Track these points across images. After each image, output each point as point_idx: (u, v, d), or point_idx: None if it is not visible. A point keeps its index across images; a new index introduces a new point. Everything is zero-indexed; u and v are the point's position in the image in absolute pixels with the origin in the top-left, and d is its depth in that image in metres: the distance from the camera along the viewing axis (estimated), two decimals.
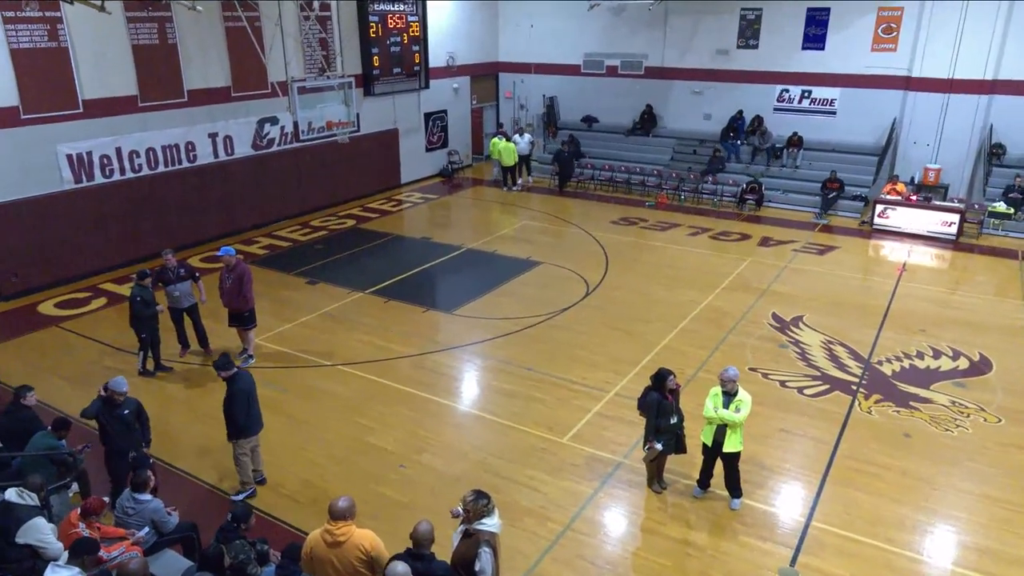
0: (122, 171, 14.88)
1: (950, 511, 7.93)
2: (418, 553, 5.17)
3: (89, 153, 14.27)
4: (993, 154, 18.72)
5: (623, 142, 23.26)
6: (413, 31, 21.18)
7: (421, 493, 8.12)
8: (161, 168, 15.57)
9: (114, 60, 14.40)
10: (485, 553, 5.34)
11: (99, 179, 14.53)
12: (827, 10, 19.94)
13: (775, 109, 21.40)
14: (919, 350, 11.61)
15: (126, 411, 7.54)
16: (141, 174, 15.22)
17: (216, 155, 16.72)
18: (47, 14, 13.17)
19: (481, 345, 11.84)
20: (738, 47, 21.46)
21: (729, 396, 7.51)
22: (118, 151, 14.74)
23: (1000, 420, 9.64)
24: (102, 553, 5.74)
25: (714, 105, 22.20)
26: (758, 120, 21.35)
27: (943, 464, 8.71)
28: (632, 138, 23.26)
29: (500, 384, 10.64)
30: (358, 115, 19.10)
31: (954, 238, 17.24)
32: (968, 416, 9.74)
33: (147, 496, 6.41)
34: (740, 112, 21.59)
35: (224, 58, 16.43)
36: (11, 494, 6.05)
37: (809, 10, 20.17)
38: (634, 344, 11.69)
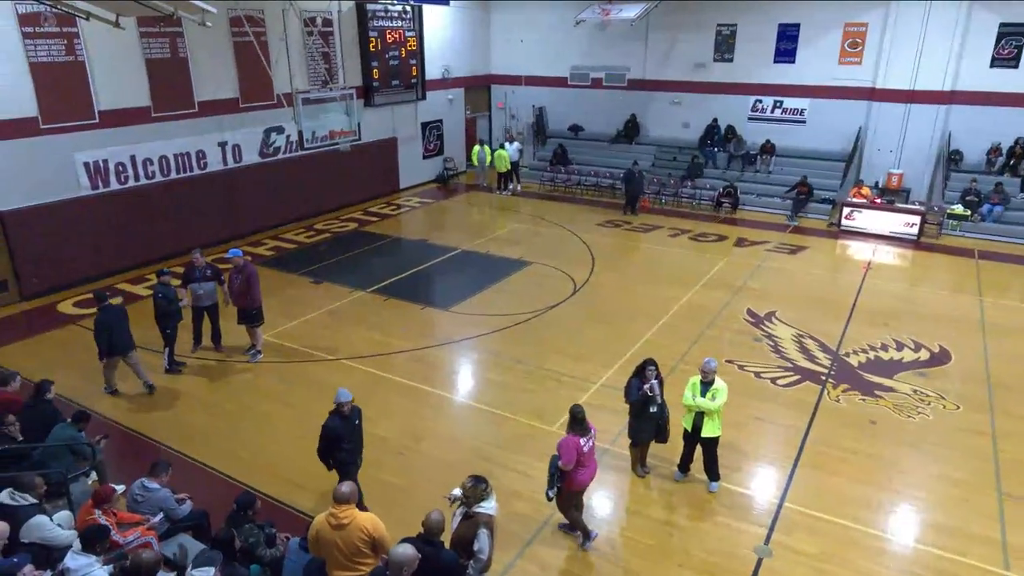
0: (136, 178, 14.79)
1: (911, 491, 7.97)
2: (429, 540, 5.06)
3: (105, 161, 14.16)
4: (951, 160, 18.81)
5: (607, 149, 23.24)
6: (410, 45, 21.11)
7: (419, 478, 8.10)
8: (173, 175, 15.47)
9: (128, 73, 14.30)
10: (484, 534, 5.35)
11: (114, 185, 14.42)
12: (797, 26, 20.00)
13: (749, 118, 21.43)
14: (883, 342, 11.66)
15: (357, 421, 7.18)
16: (154, 181, 15.12)
17: (225, 163, 16.61)
18: (64, 29, 13.05)
19: (475, 340, 11.81)
20: (714, 60, 21.48)
21: (707, 385, 7.53)
22: (132, 159, 14.65)
23: (958, 407, 9.69)
24: (118, 538, 5.67)
25: (692, 114, 22.22)
26: (732, 128, 21.42)
27: (906, 448, 8.74)
28: (616, 145, 23.23)
29: (493, 376, 10.62)
30: (359, 125, 19.04)
31: (915, 238, 17.32)
32: (929, 404, 9.78)
33: (155, 485, 6.33)
34: (715, 120, 21.63)
35: (232, 71, 16.32)
36: (3, 496, 5.82)
37: (780, 26, 20.22)
38: (618, 338, 11.67)
